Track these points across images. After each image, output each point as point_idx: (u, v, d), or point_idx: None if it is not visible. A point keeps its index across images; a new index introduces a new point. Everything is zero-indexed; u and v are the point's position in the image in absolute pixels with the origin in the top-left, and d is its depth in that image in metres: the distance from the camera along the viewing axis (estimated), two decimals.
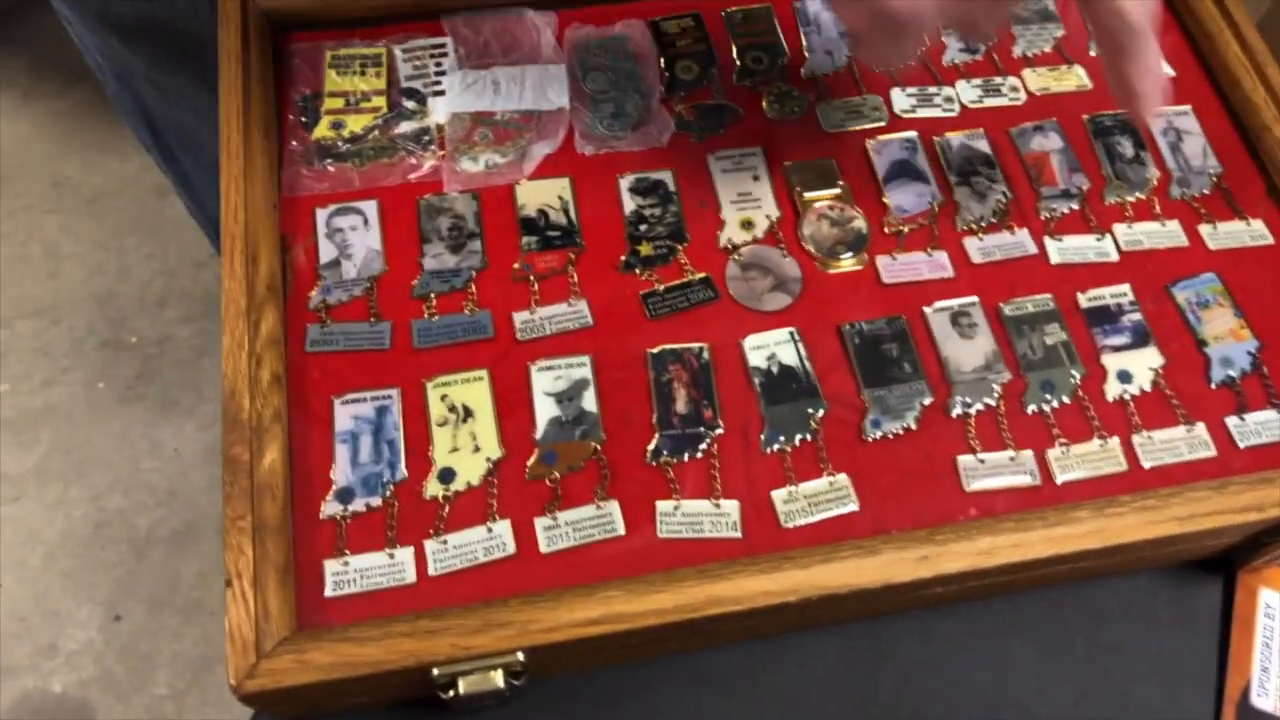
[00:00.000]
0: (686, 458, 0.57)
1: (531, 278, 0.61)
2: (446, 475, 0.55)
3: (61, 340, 1.83)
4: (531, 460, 0.56)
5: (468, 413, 0.57)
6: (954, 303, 0.62)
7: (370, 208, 0.62)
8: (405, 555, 0.53)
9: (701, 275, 0.62)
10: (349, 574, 0.52)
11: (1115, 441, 0.59)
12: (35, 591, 1.62)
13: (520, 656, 0.50)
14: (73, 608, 1.61)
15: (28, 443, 1.74)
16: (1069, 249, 0.64)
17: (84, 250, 1.91)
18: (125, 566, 1.64)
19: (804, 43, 0.71)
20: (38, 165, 2.00)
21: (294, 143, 0.64)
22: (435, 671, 0.49)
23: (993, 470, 0.57)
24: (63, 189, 1.98)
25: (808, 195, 0.65)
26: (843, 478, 0.57)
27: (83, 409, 1.77)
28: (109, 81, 0.96)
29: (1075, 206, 0.66)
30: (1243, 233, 0.66)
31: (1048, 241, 0.65)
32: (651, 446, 0.57)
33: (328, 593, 0.52)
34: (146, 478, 1.71)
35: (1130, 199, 0.67)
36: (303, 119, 0.65)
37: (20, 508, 1.68)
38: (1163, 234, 0.65)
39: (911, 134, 0.68)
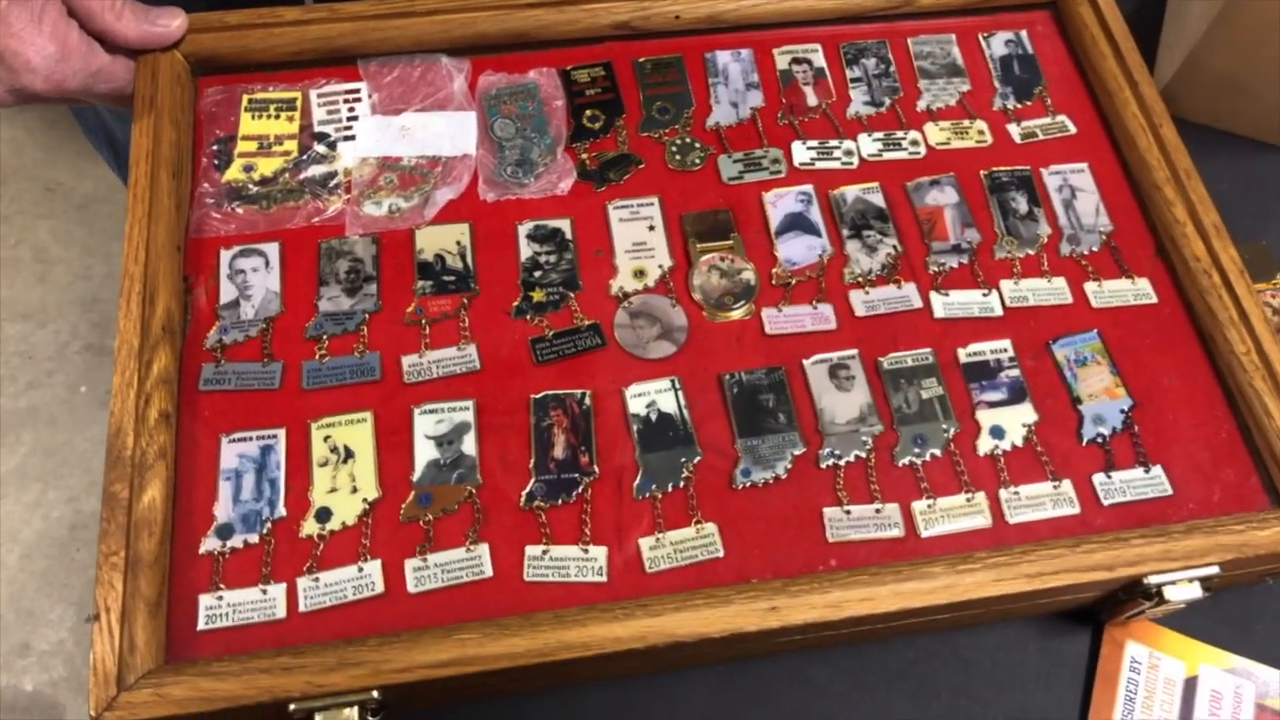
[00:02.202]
0: (560, 502, 0.59)
1: (424, 321, 0.63)
2: (323, 515, 0.57)
3: (47, 344, 1.86)
4: (407, 502, 0.58)
5: (349, 454, 0.59)
6: (833, 355, 0.64)
7: (273, 250, 0.65)
8: (278, 592, 0.55)
9: (590, 322, 0.64)
10: (222, 608, 0.55)
11: (982, 496, 0.60)
12: (11, 591, 1.66)
13: (375, 694, 0.52)
14: (46, 608, 1.65)
15: (10, 444, 1.77)
16: (954, 304, 0.66)
17: (72, 255, 1.95)
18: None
19: (711, 94, 0.73)
20: (31, 171, 2.04)
21: (205, 184, 0.67)
22: (291, 707, 0.51)
23: (857, 523, 0.59)
24: (55, 194, 2.02)
25: (700, 246, 0.67)
26: (710, 526, 0.58)
27: (64, 412, 1.80)
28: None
29: (964, 261, 0.68)
30: (1127, 291, 0.67)
31: (933, 296, 0.66)
32: (526, 491, 0.59)
33: (200, 626, 0.54)
34: None
35: (1020, 255, 0.68)
36: (215, 161, 0.67)
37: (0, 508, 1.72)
38: (1048, 291, 0.67)
39: (808, 187, 0.70)
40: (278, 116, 0.69)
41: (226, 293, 0.63)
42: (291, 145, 0.68)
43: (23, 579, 1.67)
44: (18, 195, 2.01)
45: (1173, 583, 0.57)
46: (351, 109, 0.70)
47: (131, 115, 0.94)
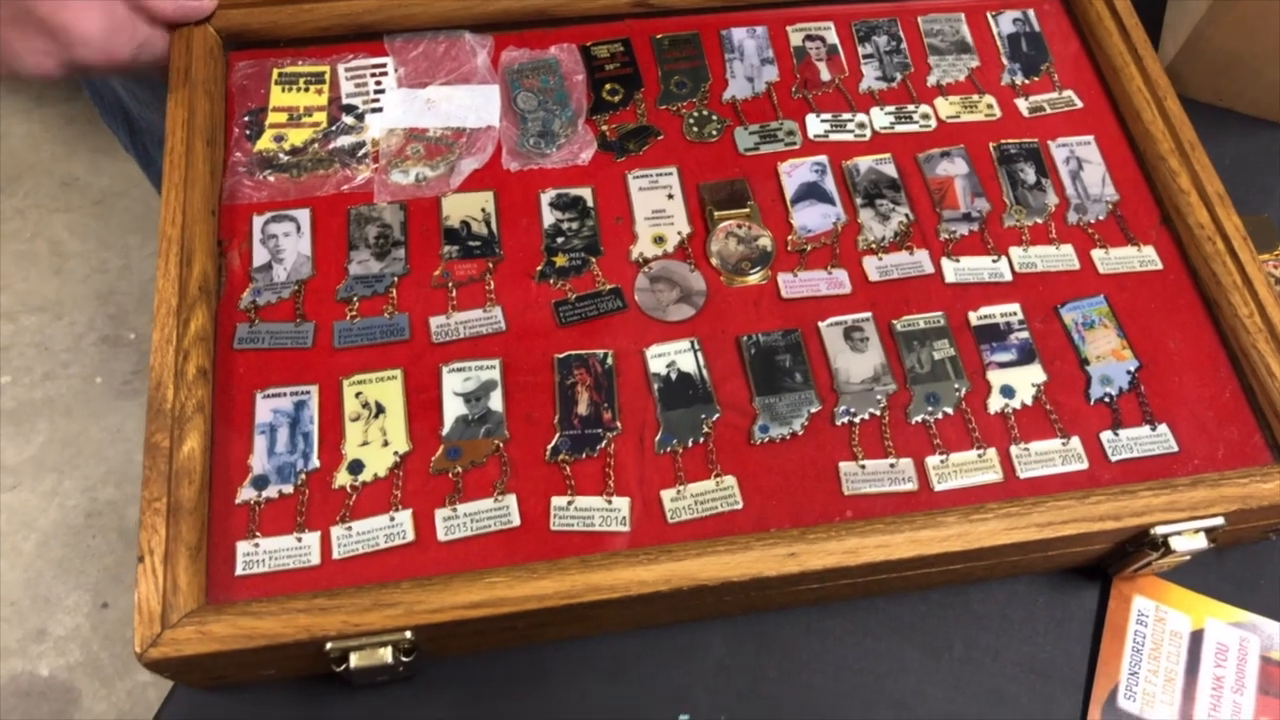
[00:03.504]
0: (584, 456, 0.61)
1: (450, 284, 0.65)
2: (356, 467, 0.59)
3: (63, 335, 1.89)
4: (436, 455, 0.60)
5: (380, 409, 0.61)
6: (848, 318, 0.66)
7: (303, 216, 0.67)
8: (312, 539, 0.57)
9: (612, 286, 0.66)
10: (259, 555, 0.57)
11: (993, 452, 0.62)
12: (27, 577, 1.68)
13: (408, 635, 0.53)
14: (62, 594, 1.67)
15: (26, 433, 1.79)
16: (965, 269, 0.68)
17: (88, 249, 1.97)
18: (114, 555, 1.69)
19: (727, 69, 0.75)
20: (48, 166, 2.06)
21: (237, 153, 0.69)
22: (328, 646, 0.53)
23: (872, 476, 0.61)
24: (71, 189, 2.04)
25: (718, 214, 0.69)
26: (729, 479, 0.60)
27: (80, 402, 1.82)
28: (89, 85, 1.01)
29: (975, 229, 0.70)
30: (1133, 258, 0.69)
31: (945, 262, 0.68)
32: (551, 445, 0.61)
33: (238, 572, 0.56)
34: (138, 470, 1.74)
35: (1028, 223, 0.70)
36: (247, 132, 0.70)
37: (16, 496, 1.73)
38: (1056, 257, 0.69)
39: (822, 158, 0.72)
40: (307, 89, 0.71)
41: (259, 256, 0.65)
42: (320, 117, 0.71)
43: (39, 566, 1.69)
44: (34, 190, 2.04)
45: (1179, 533, 0.59)
46: (378, 82, 0.72)
47: (150, 98, 0.96)
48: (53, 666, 1.63)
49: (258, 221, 0.67)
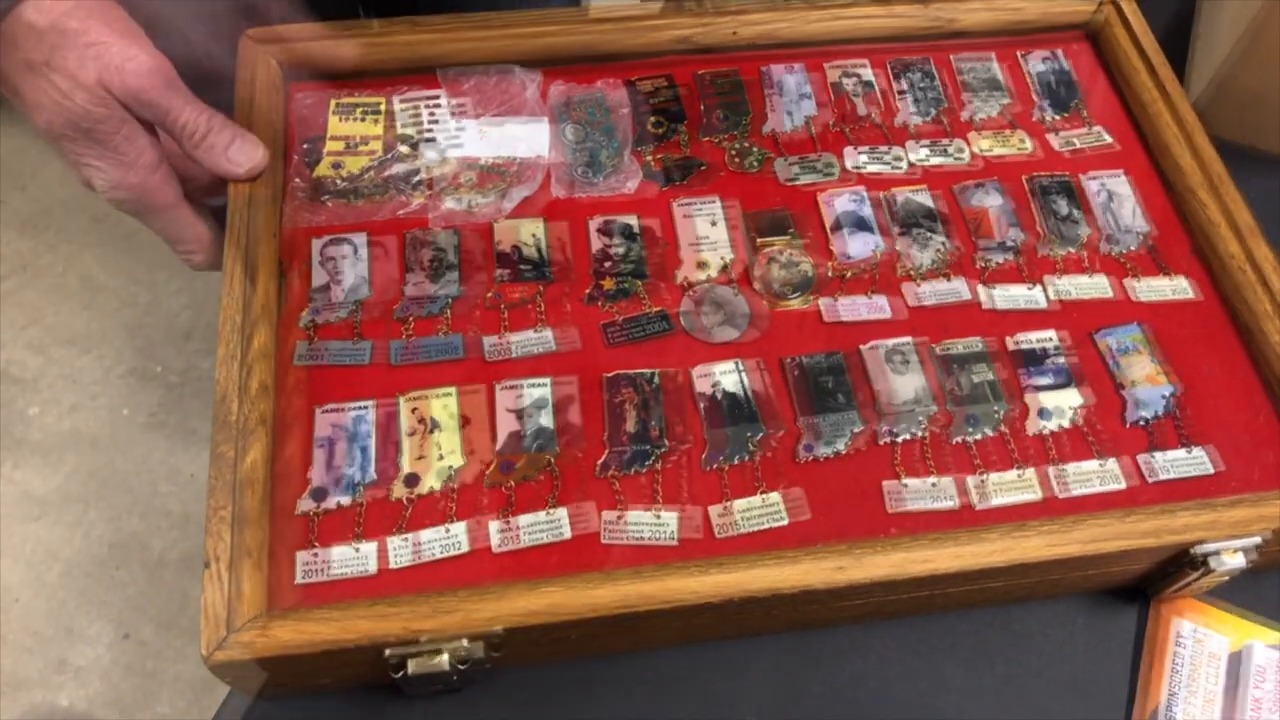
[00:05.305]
0: (633, 472, 0.62)
1: (502, 306, 0.67)
2: (412, 480, 0.61)
3: (92, 368, 1.91)
4: (490, 469, 0.61)
5: (435, 424, 0.63)
6: (890, 341, 0.67)
7: (360, 239, 0.69)
8: (369, 549, 0.59)
9: (658, 309, 0.68)
10: (318, 564, 0.58)
11: (1032, 472, 0.63)
12: (50, 608, 1.68)
13: (465, 642, 0.55)
14: (84, 625, 1.67)
15: (54, 464, 1.81)
16: (1002, 296, 0.70)
17: (118, 284, 2.01)
18: (137, 587, 1.70)
19: (767, 104, 0.78)
20: (81, 201, 2.10)
21: (297, 179, 0.71)
22: (387, 652, 0.54)
23: (915, 495, 0.62)
24: (101, 225, 2.08)
25: (760, 241, 0.71)
26: (775, 495, 0.62)
27: (107, 434, 1.84)
28: None
29: (1011, 258, 0.72)
30: (1166, 287, 0.71)
31: (982, 289, 0.70)
32: (600, 461, 0.62)
33: (298, 580, 0.57)
34: (163, 502, 1.78)
35: (1063, 253, 0.72)
36: (306, 159, 0.72)
37: (42, 526, 1.75)
38: (1091, 286, 0.71)
39: (860, 188, 0.74)
40: (363, 119, 0.74)
41: (318, 277, 0.68)
42: (376, 145, 0.73)
43: (62, 596, 1.70)
44: (66, 225, 2.08)
45: (1218, 553, 0.60)
46: (432, 114, 0.75)
47: None
48: (73, 697, 1.63)
49: (316, 244, 0.69)
